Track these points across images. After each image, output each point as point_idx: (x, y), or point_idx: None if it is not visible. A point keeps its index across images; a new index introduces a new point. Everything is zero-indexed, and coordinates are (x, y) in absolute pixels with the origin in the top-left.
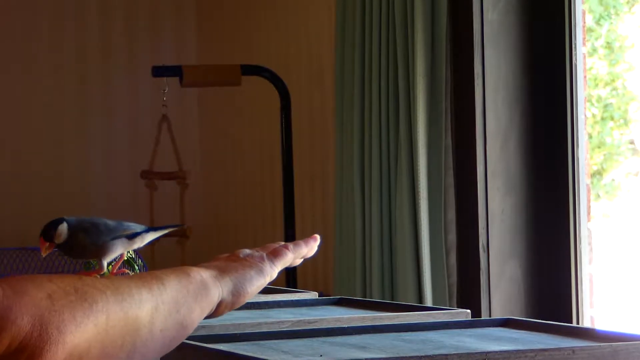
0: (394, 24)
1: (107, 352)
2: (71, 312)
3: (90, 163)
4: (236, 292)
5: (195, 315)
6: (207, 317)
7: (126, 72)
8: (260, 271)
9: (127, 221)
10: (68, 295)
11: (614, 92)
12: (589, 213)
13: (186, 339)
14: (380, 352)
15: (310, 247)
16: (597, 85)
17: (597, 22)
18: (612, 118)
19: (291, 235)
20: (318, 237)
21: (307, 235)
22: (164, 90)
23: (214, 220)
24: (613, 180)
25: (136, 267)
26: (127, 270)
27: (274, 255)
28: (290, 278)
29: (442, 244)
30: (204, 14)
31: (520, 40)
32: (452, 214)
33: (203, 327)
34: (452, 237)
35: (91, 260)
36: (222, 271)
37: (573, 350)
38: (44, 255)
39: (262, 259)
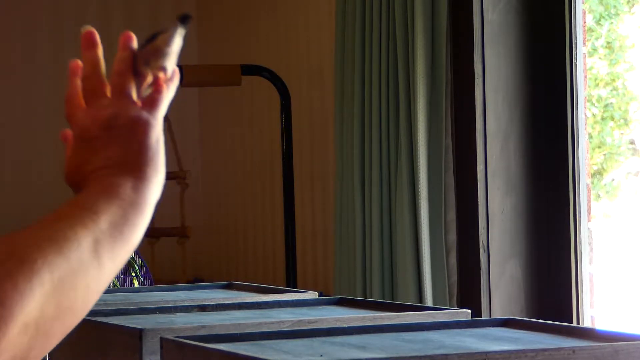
0: (394, 24)
1: (64, 306)
2: (12, 281)
3: None
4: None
5: (140, 228)
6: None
7: None
8: (156, 140)
9: None
10: (3, 263)
11: (614, 92)
12: (589, 213)
13: (186, 339)
14: (380, 352)
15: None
16: (597, 85)
17: (597, 22)
18: (612, 118)
19: (291, 236)
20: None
21: (307, 236)
22: None
23: (214, 220)
24: (613, 180)
25: (136, 267)
26: None
27: (152, 106)
28: (290, 278)
29: (442, 244)
30: (204, 14)
31: (520, 40)
32: (452, 214)
33: (203, 327)
34: (452, 237)
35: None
36: (136, 171)
37: (573, 350)
38: None
39: (143, 121)
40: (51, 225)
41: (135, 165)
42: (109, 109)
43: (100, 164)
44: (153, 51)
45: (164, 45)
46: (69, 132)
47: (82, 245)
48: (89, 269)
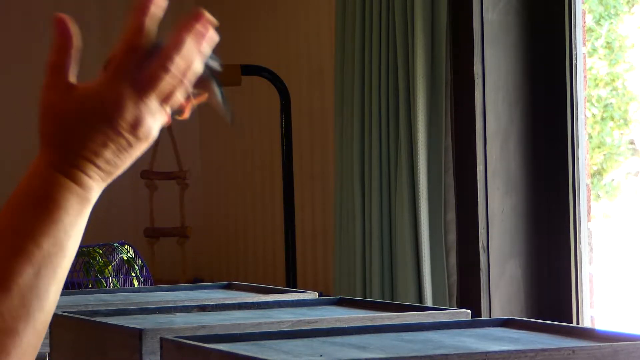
0: (394, 24)
1: None
2: None
3: None
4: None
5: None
6: None
7: None
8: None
9: None
10: None
11: (614, 92)
12: (589, 213)
13: (186, 339)
14: (380, 352)
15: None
16: (597, 85)
17: (597, 22)
18: (612, 118)
19: (291, 236)
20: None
21: (307, 236)
22: None
23: (214, 220)
24: (613, 180)
25: (136, 267)
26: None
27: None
28: (290, 278)
29: (442, 244)
30: None
31: (520, 40)
32: (452, 214)
33: (203, 327)
34: (452, 237)
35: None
36: (110, 176)
37: (573, 350)
38: None
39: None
40: (32, 290)
41: (113, 172)
42: (153, 114)
43: (94, 158)
44: (201, 80)
45: (211, 95)
46: (72, 36)
47: (51, 305)
48: (49, 318)
